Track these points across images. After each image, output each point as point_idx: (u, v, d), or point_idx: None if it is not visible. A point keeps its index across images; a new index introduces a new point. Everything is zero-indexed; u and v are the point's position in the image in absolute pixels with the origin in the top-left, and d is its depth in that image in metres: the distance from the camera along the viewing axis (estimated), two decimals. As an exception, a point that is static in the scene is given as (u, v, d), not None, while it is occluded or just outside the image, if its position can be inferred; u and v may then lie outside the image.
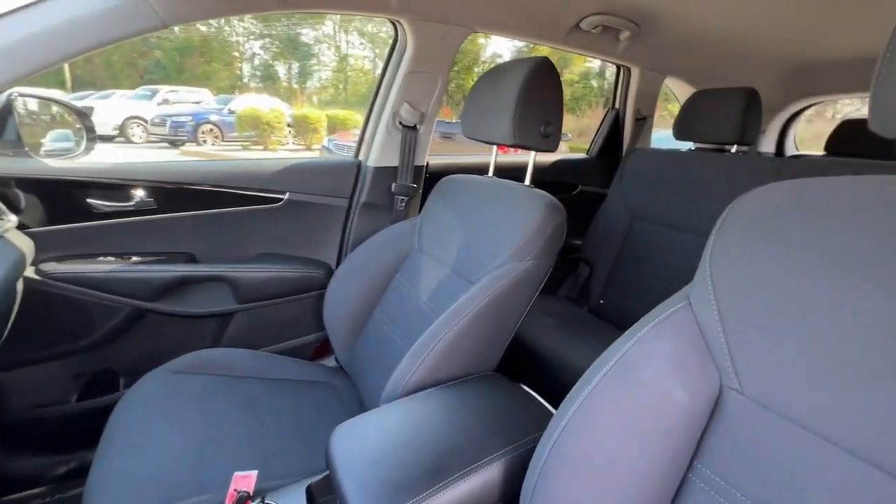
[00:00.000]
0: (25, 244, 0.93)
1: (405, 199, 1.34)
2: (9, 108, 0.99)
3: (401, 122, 1.28)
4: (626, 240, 1.57)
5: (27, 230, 0.98)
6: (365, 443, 0.65)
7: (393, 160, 1.32)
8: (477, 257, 0.94)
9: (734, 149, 1.45)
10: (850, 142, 1.66)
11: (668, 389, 0.49)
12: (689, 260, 1.38)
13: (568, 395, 0.55)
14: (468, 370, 0.85)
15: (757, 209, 0.49)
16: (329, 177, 1.31)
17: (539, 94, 0.94)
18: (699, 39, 1.42)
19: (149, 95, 11.14)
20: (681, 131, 1.50)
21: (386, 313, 1.12)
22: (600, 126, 1.84)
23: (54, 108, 1.25)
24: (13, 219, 0.92)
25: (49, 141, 1.18)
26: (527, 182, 1.05)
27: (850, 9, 1.14)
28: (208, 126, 9.49)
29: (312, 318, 1.33)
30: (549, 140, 0.98)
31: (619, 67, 1.70)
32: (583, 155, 1.90)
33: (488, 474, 0.61)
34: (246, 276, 1.21)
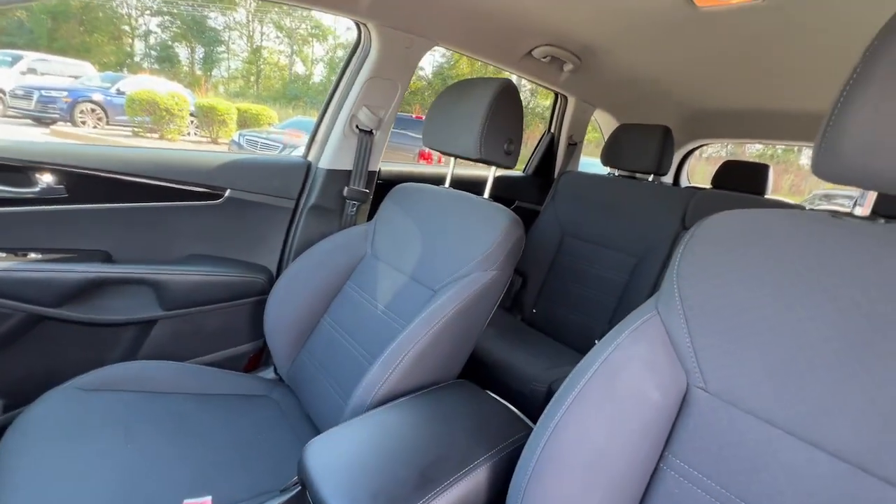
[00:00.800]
0: None
1: (357, 204, 1.30)
2: None
3: (358, 126, 1.25)
4: (557, 254, 1.69)
5: None
6: (345, 456, 0.62)
7: (346, 164, 1.28)
8: (440, 266, 0.95)
9: (651, 177, 1.65)
10: (730, 178, 1.98)
11: (645, 389, 0.55)
12: (612, 273, 1.55)
13: (554, 399, 0.58)
14: (436, 378, 0.85)
15: (720, 231, 0.57)
16: (275, 176, 1.23)
17: (504, 113, 0.98)
18: (626, 78, 1.61)
19: (8, 61, 9.33)
20: (607, 159, 1.68)
21: (336, 321, 1.08)
22: (536, 147, 1.98)
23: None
24: None
25: None
26: (486, 195, 1.09)
27: (736, 69, 1.38)
28: (89, 105, 8.23)
29: (248, 326, 1.23)
30: (511, 157, 1.03)
31: (557, 95, 1.85)
32: (520, 173, 2.01)
33: (475, 479, 0.62)
34: (173, 279, 1.08)
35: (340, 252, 1.14)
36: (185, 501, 0.63)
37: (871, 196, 0.53)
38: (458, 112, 1.02)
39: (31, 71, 9.32)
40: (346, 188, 1.28)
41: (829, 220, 0.52)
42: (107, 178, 0.99)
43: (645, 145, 1.56)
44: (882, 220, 0.51)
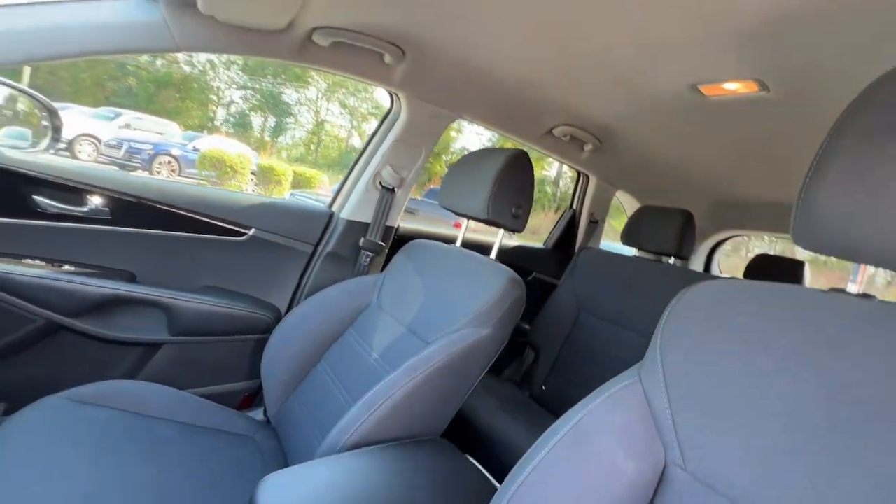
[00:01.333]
0: None
1: (371, 255, 1.35)
2: (-22, 90, 0.95)
3: (381, 183, 1.34)
4: (573, 330, 1.64)
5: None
6: (297, 498, 0.60)
7: (366, 216, 1.35)
8: (436, 319, 0.95)
9: (672, 260, 1.62)
10: (762, 272, 1.91)
11: (617, 460, 0.50)
12: (629, 354, 1.47)
13: (519, 462, 0.54)
14: (415, 432, 0.81)
15: (703, 300, 0.55)
16: (298, 220, 1.31)
17: (514, 179, 1.03)
18: (645, 162, 1.65)
19: (110, 117, 10.78)
20: (627, 238, 1.67)
21: (331, 367, 1.08)
22: (558, 221, 2.01)
23: (21, 105, 1.20)
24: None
25: (3, 136, 1.12)
26: (492, 256, 1.11)
27: (754, 159, 1.39)
28: (167, 158, 9.22)
29: (248, 363, 1.24)
30: (518, 221, 1.06)
31: (579, 173, 1.91)
32: (540, 245, 2.03)
33: None
34: (185, 305, 1.13)
35: (347, 299, 1.16)
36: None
37: (864, 271, 0.50)
38: (472, 176, 1.08)
39: (127, 126, 10.70)
40: (362, 239, 1.34)
41: (819, 296, 0.49)
42: (146, 205, 1.10)
43: (665, 228, 1.55)
44: (877, 298, 0.48)
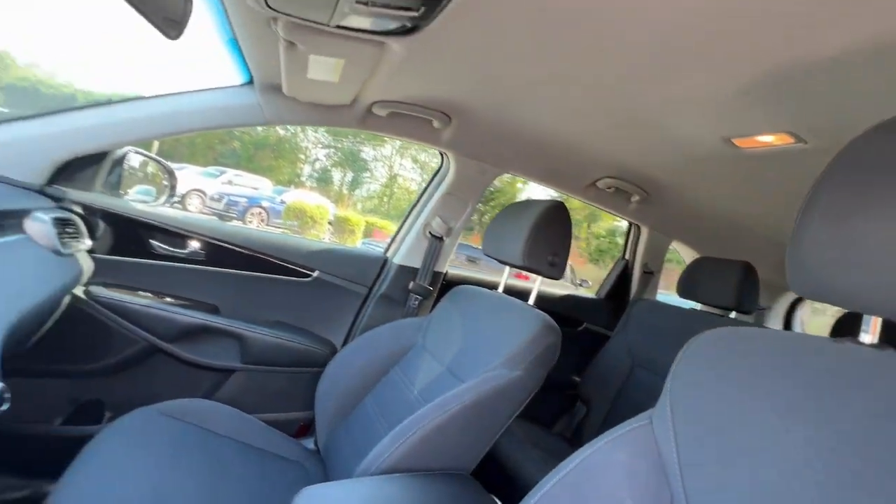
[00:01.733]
0: (87, 266, 1.07)
1: (420, 298, 1.45)
2: (122, 159, 1.23)
3: (430, 232, 1.46)
4: (626, 384, 1.58)
5: (94, 255, 1.13)
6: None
7: (416, 262, 1.47)
8: (472, 360, 1.01)
9: (733, 314, 1.53)
10: (849, 331, 1.72)
11: (622, 499, 0.52)
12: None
13: (529, 494, 0.57)
14: (443, 465, 0.85)
15: (711, 348, 0.56)
16: (356, 264, 1.45)
17: (550, 229, 1.09)
18: (697, 213, 1.62)
19: (215, 174, 12.46)
20: (683, 290, 1.62)
21: (376, 402, 1.15)
22: (610, 272, 1.99)
23: (150, 168, 1.50)
24: (87, 243, 1.07)
25: (134, 192, 1.40)
26: (530, 302, 1.15)
27: None
28: (258, 209, 10.36)
29: (305, 394, 1.35)
30: (555, 269, 1.11)
31: (630, 223, 1.91)
32: (591, 295, 2.01)
33: None
34: (256, 337, 1.29)
35: (396, 339, 1.25)
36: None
37: (876, 321, 0.50)
38: (511, 225, 1.15)
39: (229, 182, 12.26)
40: (412, 283, 1.45)
41: (828, 344, 0.50)
42: (232, 249, 1.30)
43: (723, 280, 1.49)
44: (890, 349, 0.48)
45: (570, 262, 1.17)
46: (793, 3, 0.59)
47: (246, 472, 1.00)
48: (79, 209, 1.10)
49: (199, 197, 10.16)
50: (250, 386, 1.30)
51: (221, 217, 9.97)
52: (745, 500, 0.45)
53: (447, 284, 1.51)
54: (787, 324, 2.26)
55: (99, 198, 1.15)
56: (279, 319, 1.37)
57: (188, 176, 11.14)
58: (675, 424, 0.54)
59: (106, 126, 1.04)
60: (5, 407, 0.58)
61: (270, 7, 0.61)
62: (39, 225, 0.92)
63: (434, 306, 1.33)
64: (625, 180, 1.46)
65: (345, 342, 1.43)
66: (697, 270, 1.59)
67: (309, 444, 1.34)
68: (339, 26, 0.64)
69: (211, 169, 12.76)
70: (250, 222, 9.93)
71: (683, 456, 0.51)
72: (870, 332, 0.50)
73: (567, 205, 1.16)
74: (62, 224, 0.98)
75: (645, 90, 0.90)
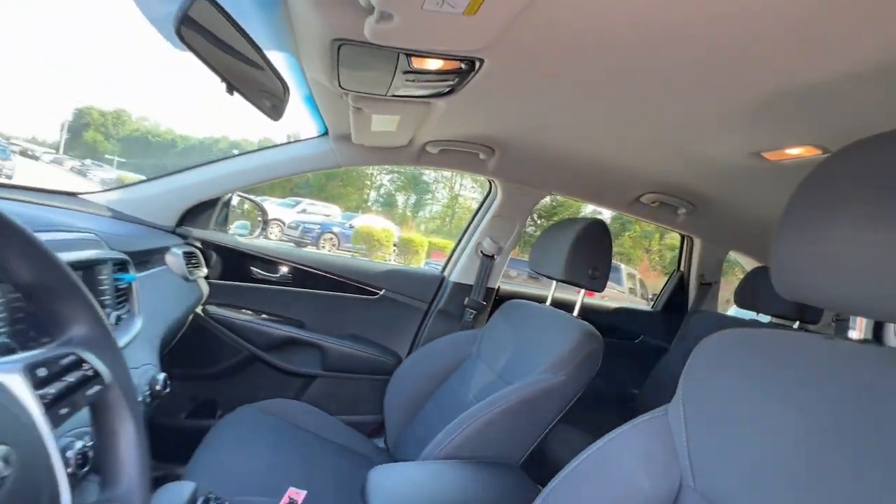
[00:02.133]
0: (205, 289, 1.34)
1: (474, 312, 1.59)
2: (228, 201, 1.51)
3: (482, 252, 1.60)
4: (684, 397, 1.59)
5: (209, 280, 1.40)
6: (395, 486, 0.81)
7: (470, 279, 1.61)
8: (519, 367, 1.12)
9: (796, 325, 1.49)
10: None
11: (638, 479, 0.61)
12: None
13: (557, 475, 0.68)
14: (493, 455, 0.97)
15: (719, 349, 0.65)
16: (417, 283, 1.63)
17: (589, 244, 1.18)
18: (750, 222, 1.60)
19: (292, 204, 13.61)
20: (742, 301, 1.60)
21: (436, 406, 1.29)
22: (665, 284, 1.99)
23: (246, 206, 1.80)
24: (204, 270, 1.34)
25: (234, 227, 1.69)
26: (575, 313, 1.24)
27: None
28: (330, 235, 11.15)
29: (376, 399, 1.53)
30: (596, 282, 1.19)
31: (682, 235, 1.91)
32: (647, 308, 2.02)
33: None
34: (334, 348, 1.49)
35: (453, 350, 1.40)
36: (290, 488, 0.88)
37: (861, 320, 0.56)
38: (554, 242, 1.26)
39: (303, 210, 13.31)
40: (467, 298, 1.59)
41: (822, 342, 0.57)
42: (313, 272, 1.53)
43: None
44: (877, 344, 0.54)
45: (639, 276, 1.24)
46: (812, 21, 0.62)
47: (325, 462, 1.18)
48: (198, 244, 1.38)
49: (279, 226, 11.14)
50: (330, 390, 1.50)
51: (297, 243, 10.82)
52: (745, 480, 0.53)
53: (500, 299, 1.64)
54: (877, 336, 2.08)
55: (212, 234, 1.43)
56: (353, 332, 1.58)
57: (268, 207, 12.19)
58: (685, 415, 0.62)
59: (218, 178, 1.32)
60: (168, 390, 0.80)
61: (343, 87, 0.80)
62: (174, 258, 1.20)
63: (488, 319, 1.45)
64: (668, 194, 1.51)
65: (409, 353, 1.59)
66: (755, 280, 1.57)
67: (380, 443, 1.51)
68: (394, 95, 0.82)
69: (287, 200, 13.94)
70: (323, 247, 10.69)
71: (692, 442, 0.60)
72: (856, 329, 0.56)
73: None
74: (188, 256, 1.25)
75: (674, 109, 0.95)
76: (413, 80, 0.73)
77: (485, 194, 1.65)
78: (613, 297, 6.94)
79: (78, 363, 0.38)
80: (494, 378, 1.19)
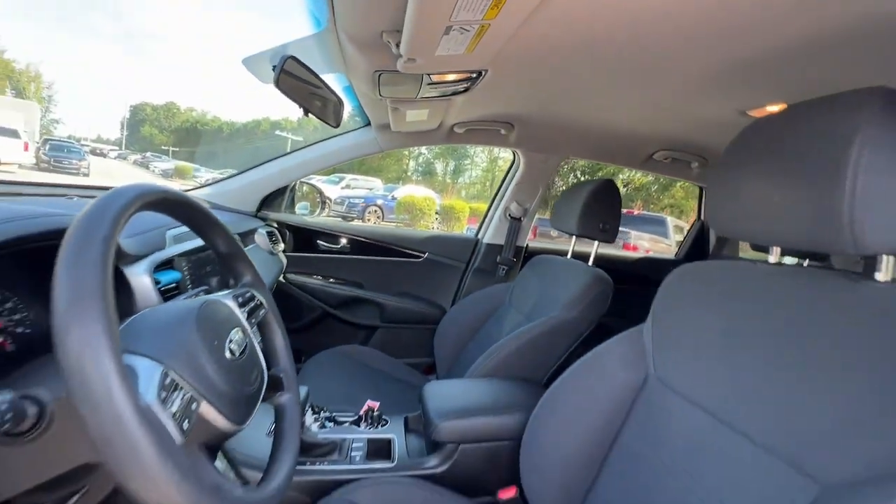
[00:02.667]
0: (284, 260, 1.66)
1: (506, 268, 1.83)
2: (294, 187, 1.81)
3: (510, 215, 1.82)
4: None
5: (286, 253, 1.73)
6: (443, 393, 1.09)
7: (501, 240, 1.84)
8: (542, 308, 1.36)
9: (806, 263, 1.61)
10: None
11: (616, 373, 0.85)
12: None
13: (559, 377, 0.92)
14: (520, 375, 1.23)
15: (682, 277, 0.85)
16: (455, 246, 1.88)
17: (599, 202, 1.37)
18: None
19: (336, 181, 14.13)
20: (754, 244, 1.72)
21: (477, 346, 1.56)
22: (687, 234, 2.12)
23: (305, 189, 2.11)
24: (282, 245, 1.66)
25: (297, 208, 2.00)
26: (590, 263, 1.45)
27: None
28: (374, 208, 11.59)
29: (427, 344, 1.83)
30: (606, 234, 1.39)
31: (699, 186, 2.02)
32: (671, 257, 2.16)
33: (504, 418, 0.99)
34: (389, 303, 1.80)
35: (489, 300, 1.65)
36: (368, 400, 1.19)
37: (777, 249, 0.75)
38: (569, 201, 1.46)
39: (347, 186, 13.76)
40: (499, 256, 1.83)
41: (756, 266, 0.76)
42: (368, 242, 1.82)
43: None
44: (805, 263, 0.73)
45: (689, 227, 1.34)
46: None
47: (394, 387, 1.49)
48: (275, 224, 1.70)
49: (326, 202, 11.63)
50: (388, 338, 1.82)
51: (344, 218, 11.34)
52: (688, 367, 0.75)
53: (528, 255, 1.86)
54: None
55: (285, 216, 1.75)
56: (403, 290, 1.87)
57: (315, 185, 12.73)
58: (653, 327, 0.85)
59: (287, 169, 1.61)
60: None
61: (382, 96, 1.04)
62: (261, 237, 1.52)
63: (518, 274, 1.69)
64: (679, 150, 1.64)
65: (452, 305, 1.87)
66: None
67: (433, 378, 1.83)
68: (421, 98, 1.05)
69: (332, 177, 14.43)
70: (369, 220, 11.16)
71: (655, 344, 0.82)
72: (773, 254, 0.75)
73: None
74: (270, 235, 1.57)
75: (668, 76, 1.05)
76: (435, 87, 0.95)
77: (510, 164, 1.85)
78: (661, 250, 6.86)
79: (252, 297, 0.67)
80: (522, 319, 1.44)
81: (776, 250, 0.77)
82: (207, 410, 0.46)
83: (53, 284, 0.35)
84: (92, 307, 0.35)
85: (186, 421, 0.43)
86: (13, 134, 13.49)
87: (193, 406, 0.44)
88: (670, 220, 7.98)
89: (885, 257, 0.60)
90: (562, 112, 1.44)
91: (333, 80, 1.09)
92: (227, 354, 0.52)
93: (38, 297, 0.65)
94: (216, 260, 1.11)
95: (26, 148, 14.38)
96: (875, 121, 0.52)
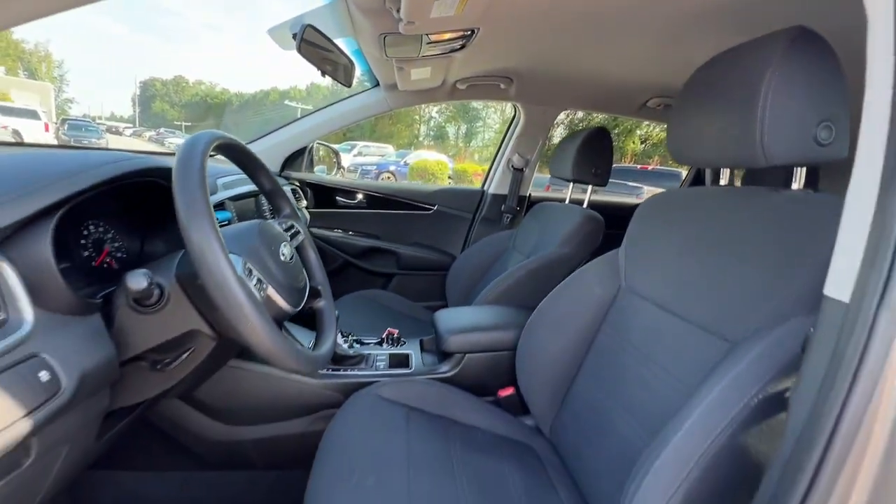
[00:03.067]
0: (307, 216, 1.84)
1: (510, 216, 1.97)
2: (311, 149, 1.97)
3: (512, 166, 1.95)
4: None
5: (308, 209, 1.90)
6: (452, 316, 1.28)
7: (505, 190, 1.98)
8: (540, 247, 1.52)
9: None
10: None
11: (593, 287, 1.01)
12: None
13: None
14: (517, 303, 1.41)
15: (653, 203, 0.99)
16: (463, 197, 2.03)
17: (592, 148, 1.49)
18: None
19: (348, 149, 14.18)
20: (751, 179, 1.82)
21: (484, 287, 1.74)
22: (684, 180, 2.22)
23: (322, 152, 2.26)
24: (304, 202, 1.84)
25: (315, 170, 2.16)
26: (584, 206, 1.59)
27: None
28: (387, 174, 11.68)
29: (440, 289, 2.02)
30: (598, 178, 1.52)
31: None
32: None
33: (503, 333, 1.17)
34: (404, 252, 1.98)
35: (495, 246, 1.81)
36: (387, 328, 1.38)
37: (726, 172, 0.89)
38: (565, 149, 1.58)
39: (360, 153, 13.80)
40: (503, 206, 1.98)
41: (713, 189, 0.90)
42: (383, 197, 1.98)
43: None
44: (738, 185, 0.86)
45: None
46: None
47: (411, 322, 1.69)
48: (297, 183, 1.86)
49: (341, 165, 11.76)
50: (405, 284, 2.01)
51: (359, 185, 11.45)
52: (654, 277, 0.90)
53: (531, 204, 2.00)
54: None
55: (306, 175, 1.91)
56: (416, 240, 2.04)
57: (328, 154, 12.81)
58: (626, 248, 1.00)
59: (305, 131, 1.76)
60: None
61: (388, 56, 1.16)
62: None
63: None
64: (670, 97, 1.72)
65: (461, 252, 2.04)
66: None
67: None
68: (423, 56, 1.17)
69: (343, 144, 14.46)
70: (382, 186, 11.30)
71: (628, 260, 0.98)
72: (723, 178, 0.88)
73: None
74: (293, 192, 1.74)
75: (651, 17, 1.11)
76: (434, 46, 1.08)
77: (511, 117, 1.96)
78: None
79: (292, 226, 0.84)
80: (523, 259, 1.60)
81: (725, 175, 0.91)
82: (272, 293, 0.64)
83: (175, 204, 0.53)
84: (201, 218, 0.52)
85: (260, 294, 0.61)
86: (33, 115, 13.79)
87: (263, 286, 0.63)
88: (684, 173, 7.92)
89: (797, 170, 0.74)
90: (556, 65, 1.54)
91: (344, 45, 1.22)
92: (281, 258, 0.70)
93: (126, 228, 0.83)
94: (255, 209, 1.30)
95: (47, 129, 14.72)
96: (784, 55, 0.64)
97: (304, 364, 0.62)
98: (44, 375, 0.47)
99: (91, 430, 0.60)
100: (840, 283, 0.43)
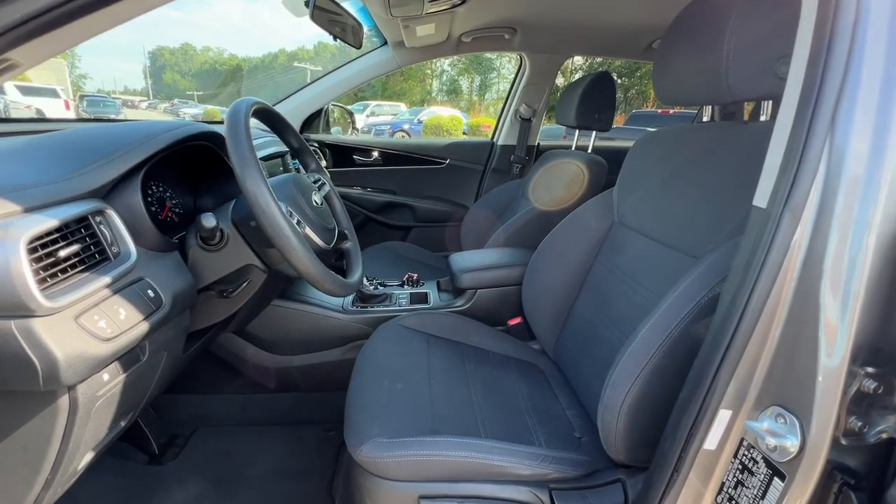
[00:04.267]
0: (327, 175, 1.96)
1: (519, 166, 2.06)
2: (326, 111, 2.06)
3: (520, 116, 2.00)
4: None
5: (327, 168, 2.02)
6: (465, 257, 1.41)
7: (513, 141, 2.05)
8: (548, 191, 1.61)
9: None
10: None
11: (589, 222, 1.11)
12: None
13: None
14: (525, 245, 1.52)
15: (644, 141, 1.07)
16: (473, 150, 2.11)
17: (595, 94, 1.55)
18: None
19: (360, 109, 14.04)
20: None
21: (498, 233, 1.86)
22: (693, 120, 2.23)
23: (336, 114, 2.35)
24: (324, 162, 1.96)
25: (333, 131, 2.26)
26: (589, 150, 1.66)
27: None
28: (401, 133, 11.62)
29: (455, 238, 2.15)
30: (601, 124, 1.58)
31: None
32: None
33: (512, 270, 1.29)
34: (420, 205, 2.10)
35: (506, 195, 1.91)
36: (407, 272, 1.53)
37: (707, 109, 0.96)
38: (569, 96, 1.64)
39: (372, 113, 13.67)
40: (513, 156, 2.05)
41: (696, 126, 0.98)
42: (398, 154, 2.08)
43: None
44: (716, 121, 0.94)
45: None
46: None
47: (429, 268, 1.83)
48: (315, 145, 1.98)
49: (355, 126, 11.76)
50: (423, 235, 2.14)
51: (374, 146, 11.45)
52: (641, 210, 1.00)
53: (539, 153, 2.07)
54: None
55: (323, 136, 2.02)
56: (430, 194, 2.16)
57: (341, 115, 12.77)
58: (619, 186, 1.09)
59: (319, 94, 1.86)
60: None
61: (393, 15, 1.24)
62: (308, 154, 1.81)
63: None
64: (676, 37, 1.72)
65: (474, 202, 2.14)
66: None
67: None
68: (427, 13, 1.24)
69: (355, 105, 14.32)
70: (397, 146, 11.27)
71: (619, 197, 1.08)
72: (705, 115, 0.96)
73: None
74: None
75: None
76: (437, 3, 1.15)
77: (517, 68, 2.00)
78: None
79: (318, 179, 0.97)
80: (531, 205, 1.70)
81: (707, 112, 0.98)
82: (309, 232, 0.78)
83: (231, 161, 0.66)
84: (254, 171, 0.66)
85: (301, 231, 0.75)
86: (52, 93, 14.05)
87: (302, 226, 0.76)
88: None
89: (764, 103, 0.81)
90: (559, 11, 1.57)
91: (349, 4, 1.29)
92: (314, 203, 0.84)
93: (179, 188, 0.98)
94: (281, 167, 1.43)
95: (67, 106, 15.01)
96: None
97: (338, 287, 0.77)
98: (150, 293, 0.62)
99: (179, 344, 0.77)
100: (762, 193, 0.54)
